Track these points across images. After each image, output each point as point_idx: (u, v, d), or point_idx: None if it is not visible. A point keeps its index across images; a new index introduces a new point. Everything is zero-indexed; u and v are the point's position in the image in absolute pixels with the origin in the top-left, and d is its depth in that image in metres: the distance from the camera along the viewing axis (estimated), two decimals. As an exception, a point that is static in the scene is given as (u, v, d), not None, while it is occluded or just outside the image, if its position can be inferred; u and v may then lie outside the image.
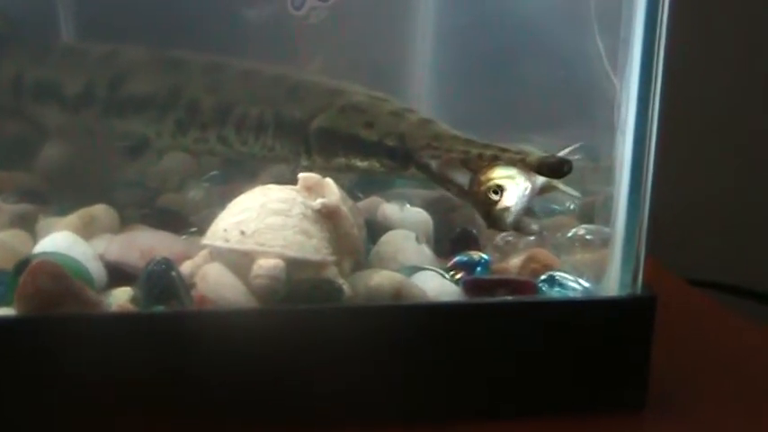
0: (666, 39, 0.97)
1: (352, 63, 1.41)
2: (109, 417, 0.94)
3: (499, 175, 1.02)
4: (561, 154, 1.04)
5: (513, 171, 1.02)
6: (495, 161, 1.03)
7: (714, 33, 1.92)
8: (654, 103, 0.98)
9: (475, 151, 1.05)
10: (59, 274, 0.93)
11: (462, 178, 1.06)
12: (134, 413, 0.94)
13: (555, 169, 1.00)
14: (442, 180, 1.10)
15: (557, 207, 1.26)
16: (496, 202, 1.01)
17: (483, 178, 1.03)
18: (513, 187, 1.01)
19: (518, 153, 1.03)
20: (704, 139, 1.99)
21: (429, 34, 1.48)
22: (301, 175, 1.03)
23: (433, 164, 1.09)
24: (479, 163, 1.04)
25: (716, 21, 1.92)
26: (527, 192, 1.02)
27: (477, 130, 1.21)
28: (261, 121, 1.23)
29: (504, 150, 1.04)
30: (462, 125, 1.18)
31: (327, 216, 1.02)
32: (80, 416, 0.93)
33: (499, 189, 1.01)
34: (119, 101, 1.30)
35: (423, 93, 1.50)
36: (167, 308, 0.96)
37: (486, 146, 1.06)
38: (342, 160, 1.17)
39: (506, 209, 1.00)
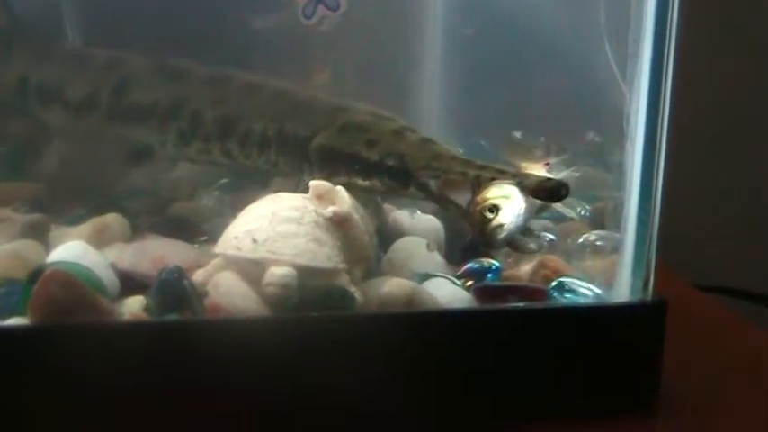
0: (676, 46, 0.98)
1: (362, 72, 1.42)
2: (122, 424, 0.94)
3: (495, 194, 1.03)
4: (561, 176, 1.05)
5: (509, 190, 1.03)
6: (492, 182, 1.04)
7: (723, 40, 1.93)
8: (663, 112, 0.99)
9: (473, 173, 1.06)
10: (72, 283, 0.93)
11: (461, 199, 1.07)
12: (147, 421, 0.94)
13: (552, 193, 1.01)
14: (440, 200, 1.10)
15: (568, 213, 1.26)
16: (490, 221, 1.02)
17: (479, 198, 1.04)
18: (508, 206, 1.02)
19: (516, 175, 1.04)
20: (713, 147, 1.99)
21: (438, 42, 1.48)
22: (312, 184, 1.04)
23: (433, 184, 1.10)
24: (477, 184, 1.05)
25: (725, 30, 1.93)
26: (522, 211, 1.02)
27: (486, 135, 1.22)
28: (264, 137, 1.23)
29: (502, 172, 1.05)
30: (474, 130, 1.19)
31: (338, 224, 1.02)
32: (93, 424, 0.93)
33: (494, 208, 1.02)
34: (122, 108, 1.31)
35: (433, 100, 1.50)
36: (180, 316, 0.96)
37: (484, 167, 1.07)
38: (343, 178, 1.16)
39: (500, 226, 1.01)
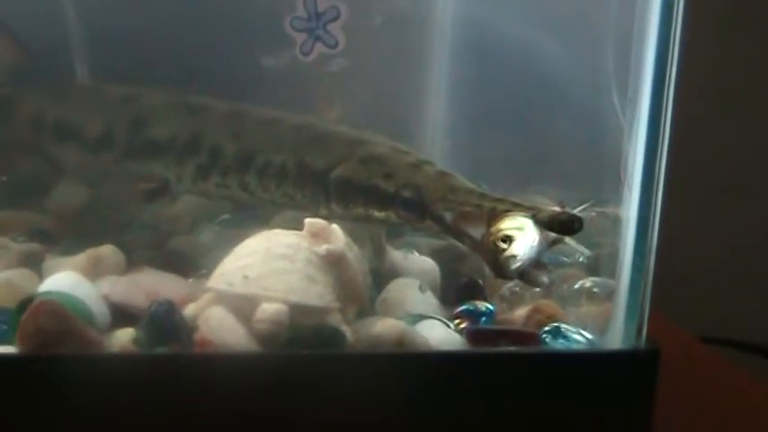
0: (675, 94, 0.97)
1: (367, 114, 1.42)
2: (106, 457, 0.94)
3: (508, 225, 1.02)
4: (575, 211, 1.04)
5: (523, 222, 1.02)
6: (506, 214, 1.03)
7: (723, 90, 1.92)
8: (661, 158, 0.98)
9: (488, 205, 1.06)
10: (61, 314, 0.93)
11: (476, 232, 1.07)
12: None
13: (566, 226, 1.00)
14: (455, 233, 1.10)
15: (565, 259, 1.26)
16: (504, 251, 1.01)
17: (493, 229, 1.03)
18: (522, 237, 1.01)
19: (530, 208, 1.03)
20: (716, 197, 1.98)
21: (443, 85, 1.48)
22: (307, 221, 1.03)
23: (448, 216, 1.10)
24: (492, 216, 1.04)
25: (725, 77, 1.92)
26: (535, 243, 1.01)
27: (490, 181, 1.21)
28: (283, 170, 1.23)
29: (517, 205, 1.04)
30: (476, 175, 1.19)
31: (332, 262, 1.02)
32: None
33: (507, 239, 1.01)
34: (139, 144, 1.31)
35: (436, 142, 1.50)
36: (169, 350, 0.96)
37: (500, 200, 1.06)
38: (360, 210, 1.17)
39: (513, 257, 1.00)
